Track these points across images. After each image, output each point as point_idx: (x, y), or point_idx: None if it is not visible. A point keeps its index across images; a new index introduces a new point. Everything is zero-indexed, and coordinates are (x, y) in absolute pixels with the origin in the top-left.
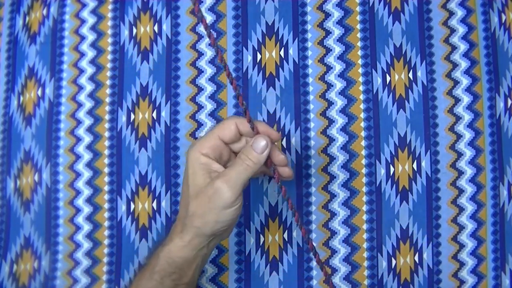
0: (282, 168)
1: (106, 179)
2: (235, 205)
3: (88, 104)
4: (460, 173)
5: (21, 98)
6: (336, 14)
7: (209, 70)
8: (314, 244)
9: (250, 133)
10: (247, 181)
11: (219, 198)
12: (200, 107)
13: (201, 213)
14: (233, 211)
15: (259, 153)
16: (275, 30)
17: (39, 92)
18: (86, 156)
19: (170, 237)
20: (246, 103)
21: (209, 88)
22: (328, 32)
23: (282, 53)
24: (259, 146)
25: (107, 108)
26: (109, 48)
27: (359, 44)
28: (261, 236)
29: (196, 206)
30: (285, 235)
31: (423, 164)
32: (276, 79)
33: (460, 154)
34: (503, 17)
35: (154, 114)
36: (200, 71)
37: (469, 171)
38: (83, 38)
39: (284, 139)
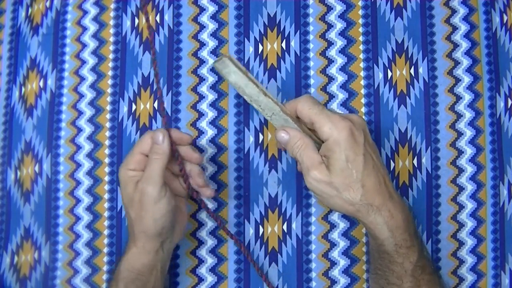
0: (198, 186)
1: (107, 169)
2: (162, 197)
3: (89, 95)
4: (461, 170)
5: (23, 89)
6: (338, 7)
7: (211, 61)
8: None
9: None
10: (162, 173)
11: (146, 195)
12: (201, 97)
13: (139, 217)
14: (164, 204)
15: (160, 143)
16: (277, 22)
17: (41, 83)
18: (87, 146)
19: (127, 247)
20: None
21: (211, 79)
22: (330, 26)
23: (283, 45)
24: (158, 138)
25: (109, 98)
26: (111, 39)
27: (361, 38)
28: (260, 227)
29: (134, 213)
30: (285, 227)
31: (423, 160)
32: (277, 70)
33: (460, 152)
34: (505, 18)
35: (156, 104)
36: (202, 61)
37: (469, 169)
38: (85, 29)
39: None
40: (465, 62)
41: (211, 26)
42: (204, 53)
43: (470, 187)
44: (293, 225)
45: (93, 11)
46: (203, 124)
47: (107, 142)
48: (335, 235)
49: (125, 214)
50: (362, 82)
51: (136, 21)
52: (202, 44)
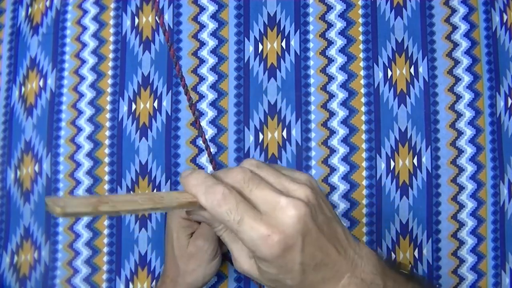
0: None
1: (107, 169)
2: (217, 256)
3: (89, 95)
4: (461, 170)
5: (23, 89)
6: (338, 7)
7: (211, 60)
8: None
9: None
10: None
11: (203, 253)
12: (201, 96)
13: (191, 270)
14: (216, 262)
15: None
16: (277, 21)
17: (41, 83)
18: (87, 146)
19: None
20: (247, 94)
21: (211, 78)
22: (330, 25)
23: (283, 44)
24: None
25: (109, 98)
26: (111, 39)
27: (360, 37)
28: None
29: (185, 265)
30: None
31: (423, 159)
32: (277, 70)
33: (460, 151)
34: (505, 17)
35: (156, 104)
36: (202, 61)
37: (469, 168)
38: (85, 28)
39: (285, 130)
40: (465, 61)
41: (211, 25)
42: (204, 53)
43: (470, 186)
44: None
45: (93, 10)
46: (203, 123)
47: (107, 142)
48: None
49: (166, 258)
50: (362, 81)
51: (136, 20)
52: (202, 44)
